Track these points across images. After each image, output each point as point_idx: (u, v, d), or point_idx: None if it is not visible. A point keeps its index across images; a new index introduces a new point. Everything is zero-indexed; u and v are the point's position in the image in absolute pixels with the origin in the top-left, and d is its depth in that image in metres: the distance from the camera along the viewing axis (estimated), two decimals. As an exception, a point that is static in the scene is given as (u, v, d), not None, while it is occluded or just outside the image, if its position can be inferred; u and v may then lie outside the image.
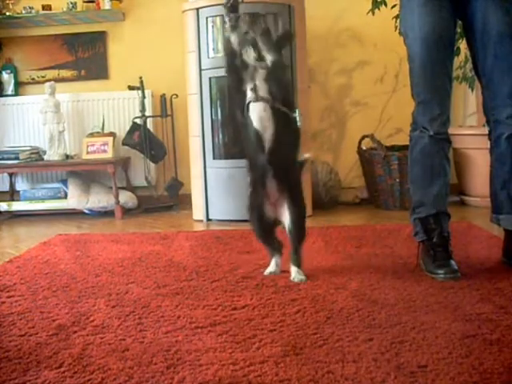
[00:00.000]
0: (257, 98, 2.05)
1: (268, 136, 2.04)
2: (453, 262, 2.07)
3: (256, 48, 2.06)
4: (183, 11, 3.59)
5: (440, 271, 2.04)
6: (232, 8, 2.11)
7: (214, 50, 3.51)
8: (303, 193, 2.20)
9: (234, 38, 2.10)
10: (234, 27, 2.11)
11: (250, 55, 2.06)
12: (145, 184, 4.19)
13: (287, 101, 2.12)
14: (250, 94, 2.06)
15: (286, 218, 2.12)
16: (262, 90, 2.05)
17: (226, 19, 2.12)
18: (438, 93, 2.11)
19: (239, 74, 2.08)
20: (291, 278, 2.10)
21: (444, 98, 2.12)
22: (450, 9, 2.09)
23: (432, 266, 2.08)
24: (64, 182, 4.17)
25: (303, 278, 2.09)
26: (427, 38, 2.08)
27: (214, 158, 3.55)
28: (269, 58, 2.07)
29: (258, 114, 2.05)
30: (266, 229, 2.18)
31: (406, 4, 2.15)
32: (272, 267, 2.20)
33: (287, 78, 2.13)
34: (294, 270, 2.12)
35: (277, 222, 2.17)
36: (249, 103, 2.06)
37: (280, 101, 2.07)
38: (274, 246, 2.21)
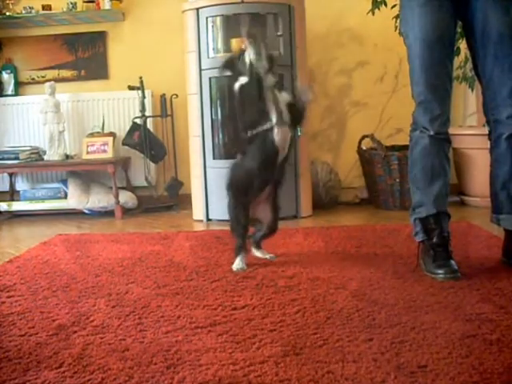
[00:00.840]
0: (283, 123, 2.25)
1: (283, 155, 2.29)
2: (453, 262, 2.07)
3: (276, 74, 2.31)
4: (183, 11, 3.59)
5: (440, 271, 2.04)
6: (251, 36, 2.28)
7: (213, 49, 3.51)
8: None
9: (256, 63, 2.26)
10: (258, 54, 2.26)
11: (270, 80, 2.26)
12: (145, 184, 4.19)
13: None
14: (275, 118, 2.24)
15: (268, 214, 2.41)
16: (286, 115, 2.26)
17: (250, 50, 2.26)
18: (439, 93, 2.11)
19: (260, 96, 2.25)
20: (263, 257, 2.44)
21: (444, 98, 2.12)
22: (450, 9, 2.09)
23: (432, 265, 2.08)
24: (64, 182, 4.17)
25: (273, 255, 2.46)
26: (427, 37, 2.08)
27: (214, 158, 3.55)
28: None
29: (284, 139, 2.26)
30: (247, 226, 2.39)
31: (406, 4, 2.15)
32: (240, 264, 2.32)
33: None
34: (261, 251, 2.46)
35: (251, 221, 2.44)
36: (273, 126, 2.24)
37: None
38: (245, 243, 2.38)
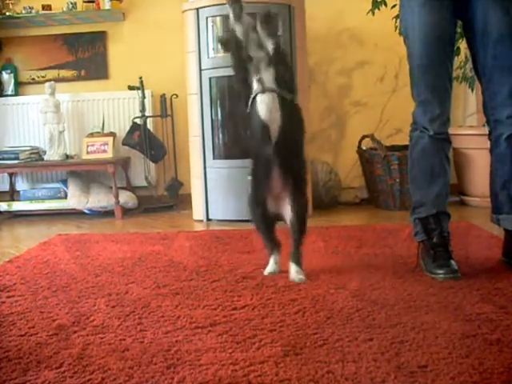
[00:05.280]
0: (263, 90, 2.05)
1: (275, 127, 2.03)
2: (453, 262, 2.07)
3: (258, 38, 2.08)
4: (183, 11, 3.58)
5: (440, 271, 2.04)
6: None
7: (213, 49, 3.50)
8: (307, 186, 2.19)
9: (238, 29, 2.12)
10: (238, 17, 2.12)
11: (253, 46, 2.07)
12: (145, 184, 4.19)
13: (291, 87, 2.12)
14: (256, 86, 2.06)
15: (287, 210, 2.09)
16: (268, 81, 2.05)
17: (230, 10, 2.13)
18: (438, 93, 2.11)
19: (245, 65, 2.09)
20: (290, 278, 2.09)
21: (444, 98, 2.12)
22: (450, 9, 2.08)
23: (432, 265, 2.08)
24: (64, 182, 4.17)
25: (303, 277, 2.08)
26: (427, 37, 2.08)
27: (214, 158, 3.55)
28: (269, 45, 2.08)
29: (265, 105, 2.04)
30: (267, 224, 2.16)
31: (406, 4, 2.15)
32: (271, 266, 2.19)
33: (289, 63, 2.20)
34: (293, 268, 2.10)
35: (278, 217, 2.15)
36: (256, 95, 2.06)
37: (285, 89, 2.08)
38: (275, 243, 2.20)
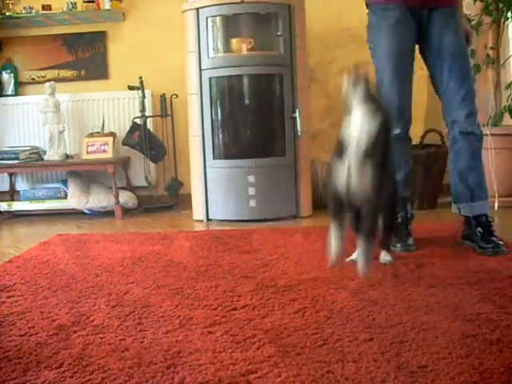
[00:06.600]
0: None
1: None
2: (410, 239, 2.49)
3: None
4: (183, 11, 3.59)
5: (398, 245, 2.46)
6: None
7: (213, 49, 3.50)
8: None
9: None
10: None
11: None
12: (145, 184, 4.19)
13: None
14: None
15: None
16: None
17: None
18: (403, 101, 2.46)
19: None
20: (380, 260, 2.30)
21: (407, 105, 2.48)
22: (413, 32, 2.46)
23: (394, 240, 2.47)
24: (64, 182, 4.17)
25: (388, 259, 2.30)
26: (395, 55, 2.43)
27: (213, 158, 3.55)
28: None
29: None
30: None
31: (376, 24, 2.49)
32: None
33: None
34: (382, 252, 2.32)
35: None
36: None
37: None
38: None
